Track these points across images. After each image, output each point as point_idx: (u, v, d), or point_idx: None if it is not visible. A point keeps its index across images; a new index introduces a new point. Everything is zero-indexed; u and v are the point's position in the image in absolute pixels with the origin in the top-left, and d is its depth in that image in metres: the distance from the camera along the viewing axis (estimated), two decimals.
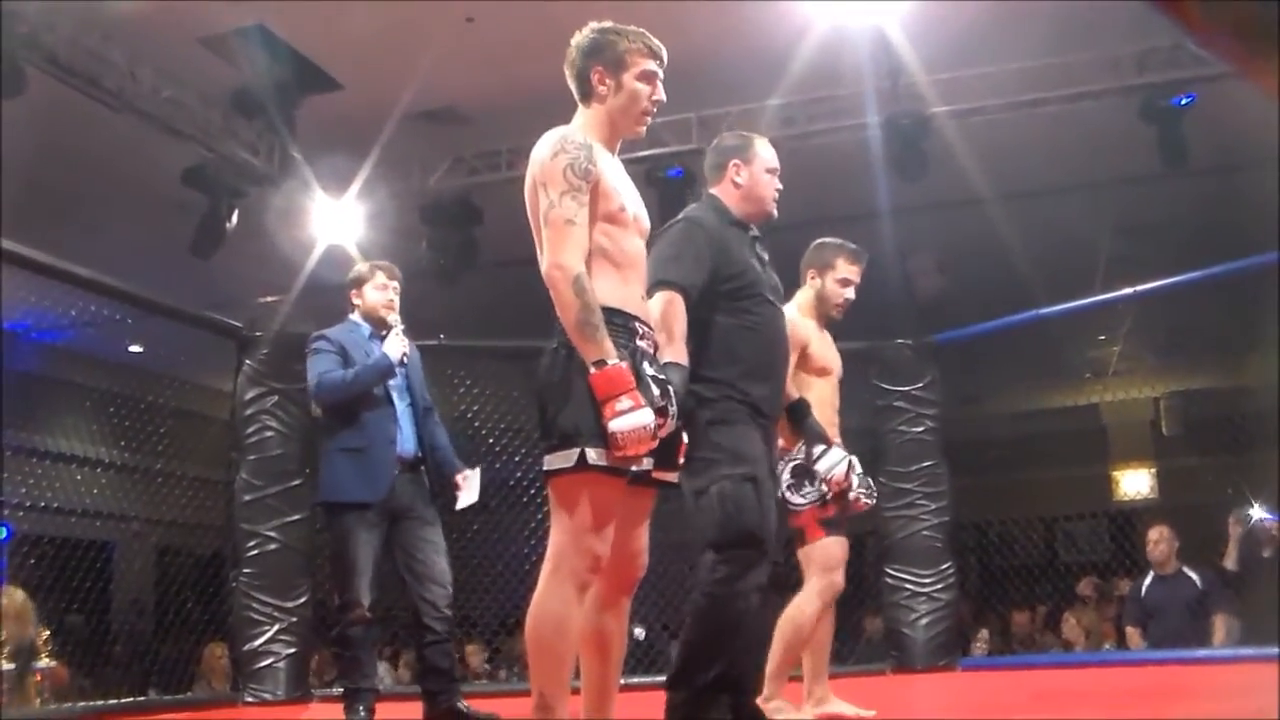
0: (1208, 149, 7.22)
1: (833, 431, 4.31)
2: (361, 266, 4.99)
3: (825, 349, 4.39)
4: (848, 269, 4.40)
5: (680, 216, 3.56)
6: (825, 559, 4.25)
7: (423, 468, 4.75)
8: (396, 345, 4.68)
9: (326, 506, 4.65)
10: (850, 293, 4.41)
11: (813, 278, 4.41)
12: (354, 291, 4.88)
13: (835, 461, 3.90)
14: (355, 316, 4.87)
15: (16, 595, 5.91)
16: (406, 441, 4.69)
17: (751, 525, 3.17)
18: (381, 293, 4.82)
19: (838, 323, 4.50)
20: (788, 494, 3.96)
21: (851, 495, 4.15)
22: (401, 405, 4.72)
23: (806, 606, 4.24)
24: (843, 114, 7.60)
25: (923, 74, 7.14)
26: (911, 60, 7.01)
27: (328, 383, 4.63)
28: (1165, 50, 7.02)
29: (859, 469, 4.15)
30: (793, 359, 4.13)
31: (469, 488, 4.84)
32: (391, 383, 4.69)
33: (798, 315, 4.30)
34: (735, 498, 3.17)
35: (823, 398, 4.28)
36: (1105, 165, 8.29)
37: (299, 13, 6.66)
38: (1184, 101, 7.10)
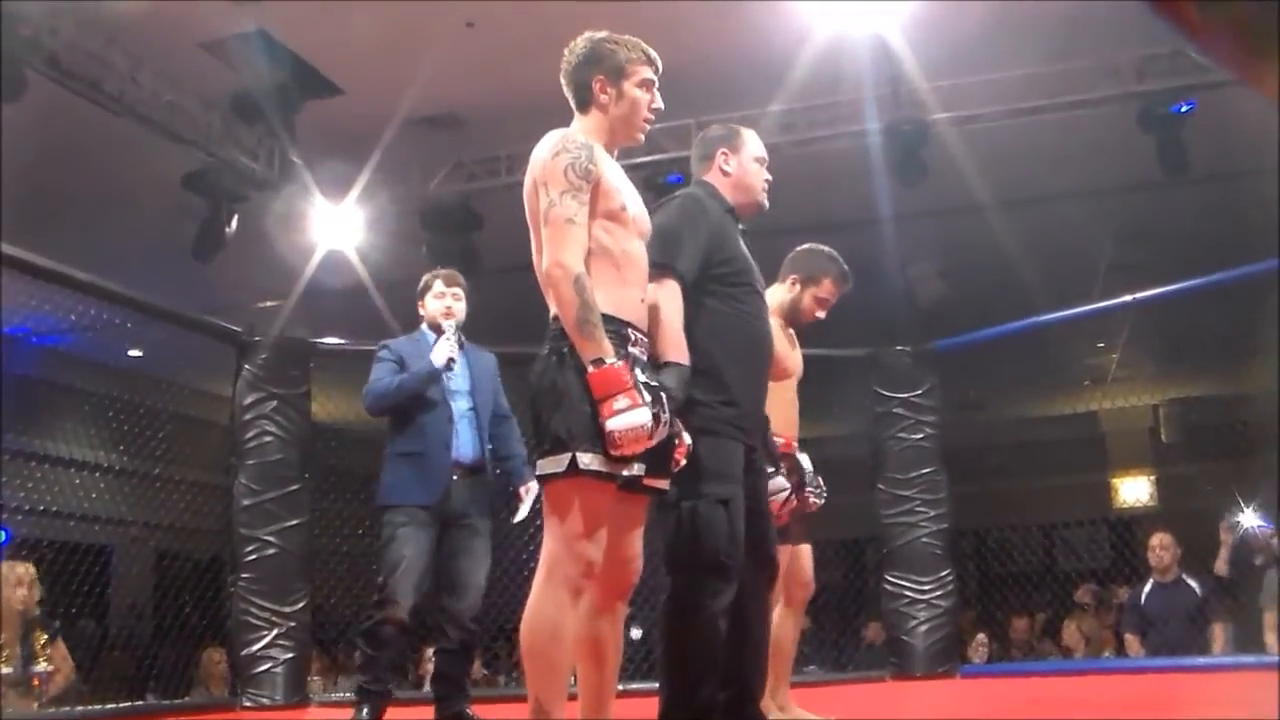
0: (1207, 156, 7.22)
1: (792, 433, 4.28)
2: (427, 275, 5.01)
3: (785, 350, 4.25)
4: (831, 290, 4.30)
5: (680, 192, 3.49)
6: (800, 569, 4.24)
7: (484, 474, 4.74)
8: (442, 351, 4.66)
9: (380, 509, 4.66)
10: (823, 314, 4.32)
11: (793, 284, 4.31)
12: (420, 302, 4.93)
13: (776, 489, 3.73)
14: (424, 325, 4.92)
15: (19, 566, 5.99)
16: (464, 446, 4.68)
17: (718, 550, 3.07)
18: (439, 301, 4.85)
19: (824, 327, 4.44)
20: None
21: (804, 494, 4.19)
22: (460, 410, 4.72)
23: (784, 621, 4.22)
24: (843, 120, 7.60)
25: (923, 80, 7.14)
26: (912, 67, 7.01)
27: (372, 392, 4.70)
28: (1165, 58, 7.02)
29: (809, 473, 4.22)
30: None
31: (530, 499, 4.83)
32: (451, 387, 4.71)
33: None
34: (705, 519, 3.07)
35: (783, 400, 4.20)
36: (1105, 172, 8.29)
37: (300, 18, 6.66)
38: (1184, 109, 7.09)
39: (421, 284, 4.95)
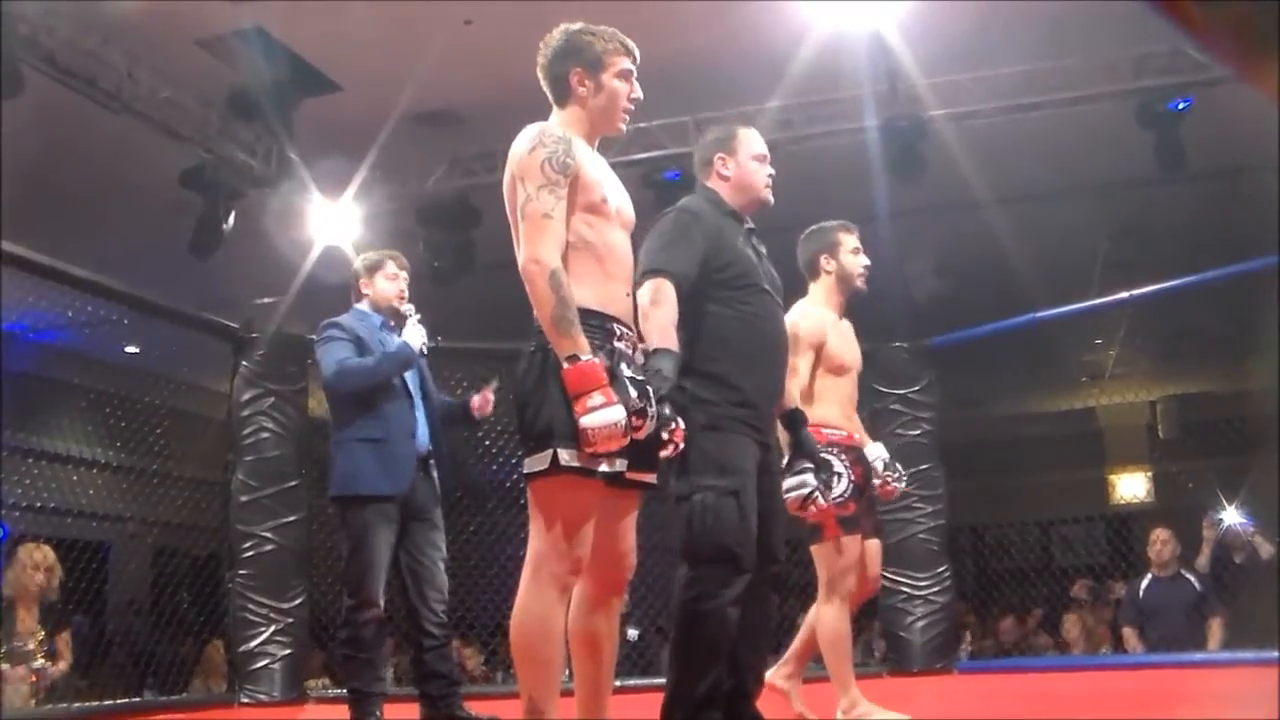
0: (1205, 153, 7.22)
1: (852, 426, 4.29)
2: (373, 254, 4.86)
3: (843, 344, 4.31)
4: (851, 239, 4.36)
5: (673, 206, 3.52)
6: (841, 558, 4.19)
7: (432, 462, 4.62)
8: (417, 334, 4.55)
9: (343, 500, 4.44)
10: (865, 258, 4.35)
11: (826, 261, 4.34)
12: (364, 280, 4.74)
13: (795, 486, 3.57)
14: (363, 306, 4.73)
15: (49, 552, 6.02)
16: (423, 435, 4.57)
17: (728, 540, 3.12)
18: (393, 282, 4.71)
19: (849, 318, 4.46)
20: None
21: (876, 481, 4.28)
22: (417, 398, 4.60)
23: (832, 614, 4.17)
24: (840, 117, 7.60)
25: (920, 77, 7.15)
26: (909, 63, 7.01)
27: (350, 370, 4.44)
28: (1162, 54, 7.03)
29: (884, 461, 4.31)
30: (810, 358, 4.12)
31: (490, 390, 4.79)
32: (407, 374, 4.57)
33: (814, 308, 4.26)
34: (715, 510, 3.11)
35: (843, 395, 4.26)
36: (1102, 169, 8.30)
37: (297, 15, 6.66)
38: (1181, 106, 7.10)
39: (370, 261, 4.78)
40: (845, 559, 4.17)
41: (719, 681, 3.14)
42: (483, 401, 4.82)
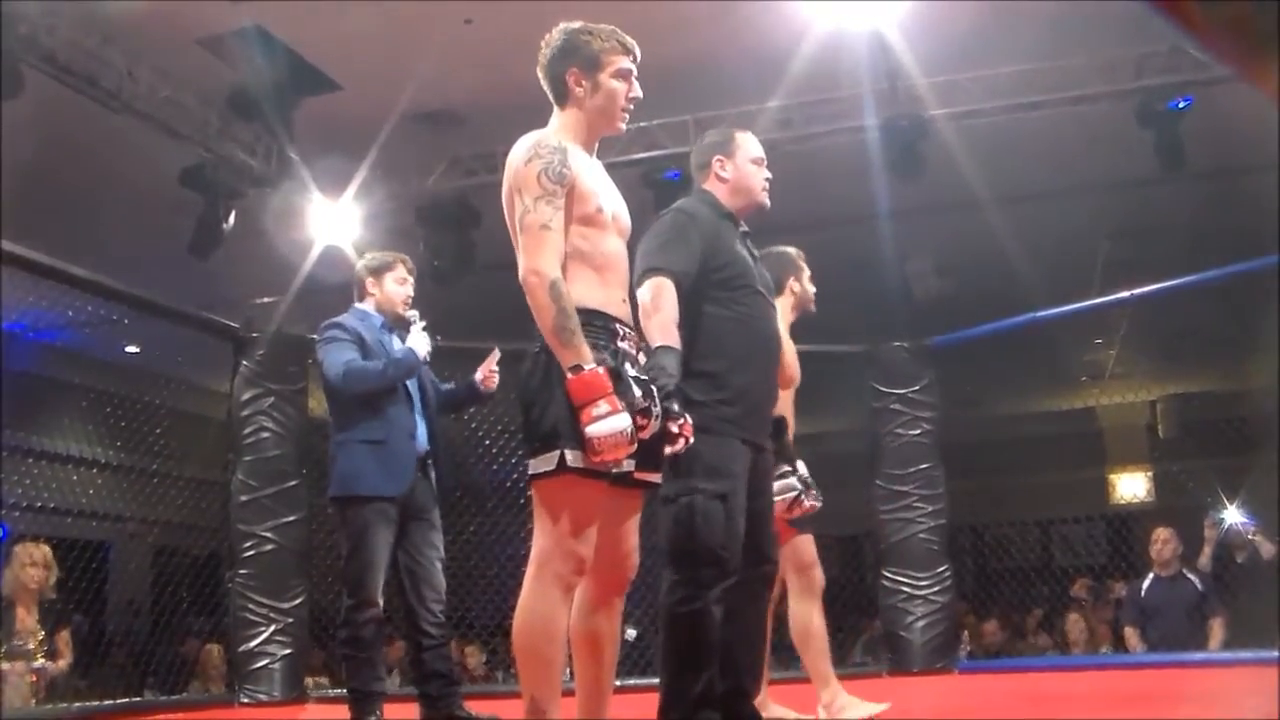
0: (1205, 152, 7.22)
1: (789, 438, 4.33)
2: (384, 255, 4.83)
3: (793, 358, 4.35)
4: (806, 266, 4.49)
5: (670, 208, 3.54)
6: (800, 557, 4.30)
7: (430, 463, 4.62)
8: (423, 341, 4.55)
9: (343, 500, 4.45)
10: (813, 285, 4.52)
11: (795, 283, 4.42)
12: (370, 281, 4.72)
13: (782, 490, 3.82)
14: (366, 306, 4.71)
15: (35, 549, 6.03)
16: (422, 436, 4.58)
17: (714, 543, 3.13)
18: (402, 286, 4.70)
19: (822, 322, 4.54)
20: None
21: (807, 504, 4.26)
22: (417, 399, 4.61)
23: (803, 612, 4.29)
24: (841, 116, 7.60)
25: (920, 76, 7.15)
26: (909, 63, 7.01)
27: (357, 372, 4.44)
28: (1163, 54, 7.03)
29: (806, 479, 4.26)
30: None
31: (493, 360, 4.78)
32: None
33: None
34: (703, 513, 3.13)
35: (787, 407, 4.29)
36: (1102, 168, 8.30)
37: (297, 14, 6.65)
38: (1181, 105, 7.10)
39: (380, 262, 4.75)
40: (804, 557, 4.34)
41: (712, 681, 3.14)
42: (487, 374, 4.81)
